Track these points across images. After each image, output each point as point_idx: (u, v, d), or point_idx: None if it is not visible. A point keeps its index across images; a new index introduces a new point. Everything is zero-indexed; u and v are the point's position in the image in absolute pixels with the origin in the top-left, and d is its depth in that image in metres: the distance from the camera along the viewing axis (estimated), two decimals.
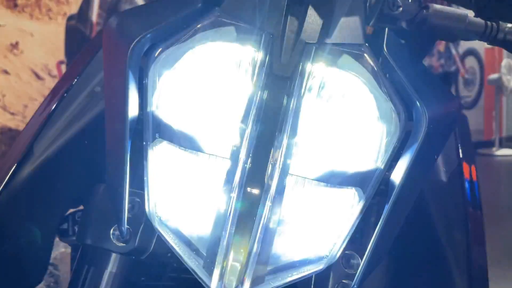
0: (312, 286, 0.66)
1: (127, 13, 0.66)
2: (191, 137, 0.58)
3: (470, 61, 7.88)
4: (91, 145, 0.74)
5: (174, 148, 0.58)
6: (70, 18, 4.52)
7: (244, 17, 0.60)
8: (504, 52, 6.80)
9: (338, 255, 0.59)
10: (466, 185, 0.88)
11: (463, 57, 7.83)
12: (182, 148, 0.58)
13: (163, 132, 0.58)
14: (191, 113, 0.59)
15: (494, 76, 7.24)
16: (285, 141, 0.55)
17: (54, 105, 0.77)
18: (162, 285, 0.74)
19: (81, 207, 0.76)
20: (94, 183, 0.71)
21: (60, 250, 1.18)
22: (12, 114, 4.62)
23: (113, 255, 0.66)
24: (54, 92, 0.83)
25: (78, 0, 4.58)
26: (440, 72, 7.34)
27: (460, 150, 0.93)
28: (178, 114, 0.59)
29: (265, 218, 0.55)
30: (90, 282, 0.67)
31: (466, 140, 0.98)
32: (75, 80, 0.78)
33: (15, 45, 4.89)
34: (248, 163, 0.55)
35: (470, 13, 0.70)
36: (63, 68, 4.41)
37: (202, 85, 0.59)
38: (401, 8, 0.68)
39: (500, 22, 0.68)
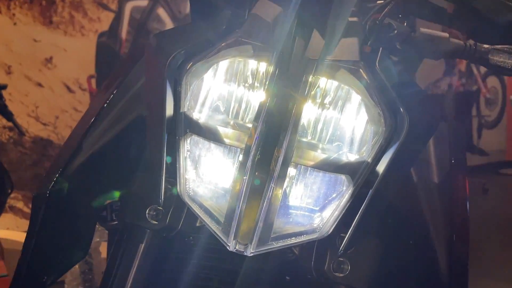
0: (312, 262, 0.78)
1: (165, 34, 0.80)
2: (214, 131, 0.72)
3: (492, 81, 7.82)
4: (127, 144, 0.88)
5: (201, 139, 0.72)
6: (101, 35, 4.72)
7: (260, 37, 0.74)
8: None
9: (331, 230, 0.71)
10: (455, 187, 0.99)
11: (484, 77, 7.79)
12: (207, 139, 0.72)
13: (193, 127, 0.73)
14: (215, 113, 0.73)
15: None
16: (287, 137, 0.69)
17: (99, 110, 0.91)
18: (188, 258, 0.87)
19: (118, 198, 0.89)
20: (129, 175, 0.84)
21: (95, 239, 1.32)
22: (44, 124, 4.85)
23: (147, 232, 0.80)
24: (98, 97, 0.97)
25: (109, 18, 4.81)
26: (460, 91, 7.30)
27: (452, 157, 1.04)
28: (204, 114, 0.73)
29: (269, 196, 0.69)
30: (128, 255, 0.80)
31: (458, 146, 1.09)
32: (115, 90, 0.92)
33: (49, 60, 5.16)
34: (258, 154, 0.68)
35: (451, 35, 0.81)
36: (93, 82, 4.58)
37: (224, 91, 0.73)
38: (396, 31, 0.80)
39: (478, 43, 0.80)
